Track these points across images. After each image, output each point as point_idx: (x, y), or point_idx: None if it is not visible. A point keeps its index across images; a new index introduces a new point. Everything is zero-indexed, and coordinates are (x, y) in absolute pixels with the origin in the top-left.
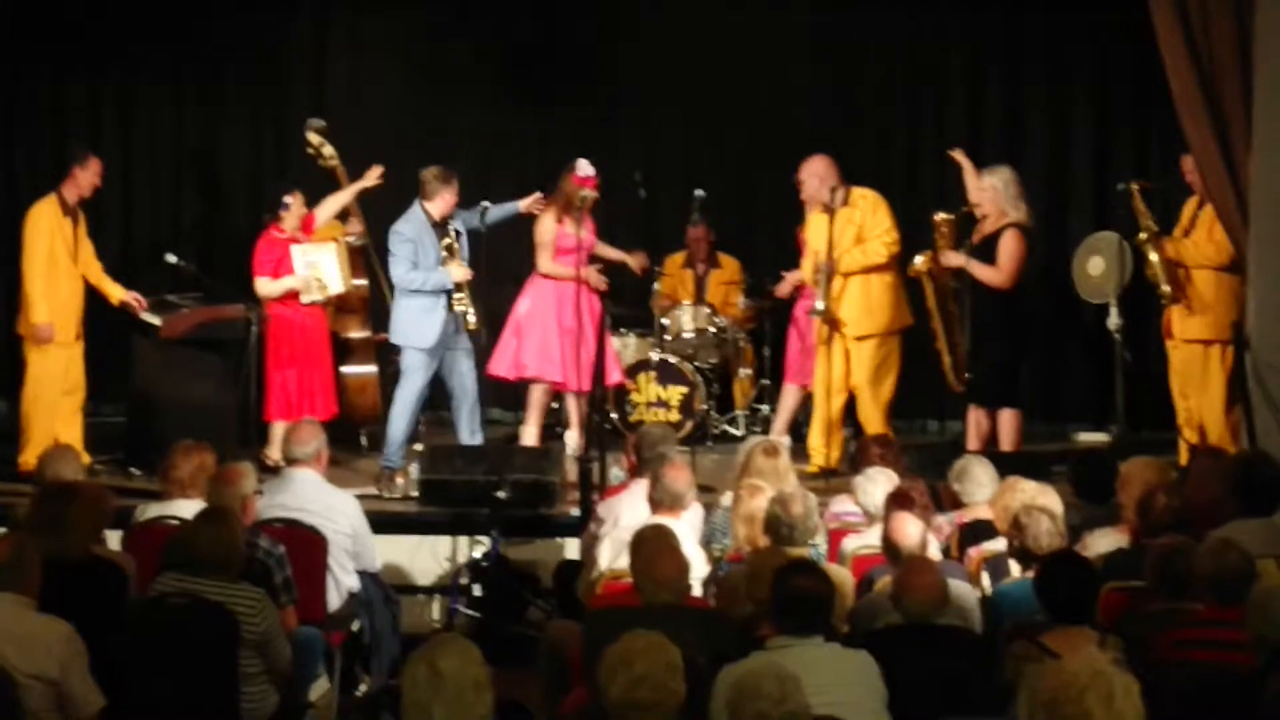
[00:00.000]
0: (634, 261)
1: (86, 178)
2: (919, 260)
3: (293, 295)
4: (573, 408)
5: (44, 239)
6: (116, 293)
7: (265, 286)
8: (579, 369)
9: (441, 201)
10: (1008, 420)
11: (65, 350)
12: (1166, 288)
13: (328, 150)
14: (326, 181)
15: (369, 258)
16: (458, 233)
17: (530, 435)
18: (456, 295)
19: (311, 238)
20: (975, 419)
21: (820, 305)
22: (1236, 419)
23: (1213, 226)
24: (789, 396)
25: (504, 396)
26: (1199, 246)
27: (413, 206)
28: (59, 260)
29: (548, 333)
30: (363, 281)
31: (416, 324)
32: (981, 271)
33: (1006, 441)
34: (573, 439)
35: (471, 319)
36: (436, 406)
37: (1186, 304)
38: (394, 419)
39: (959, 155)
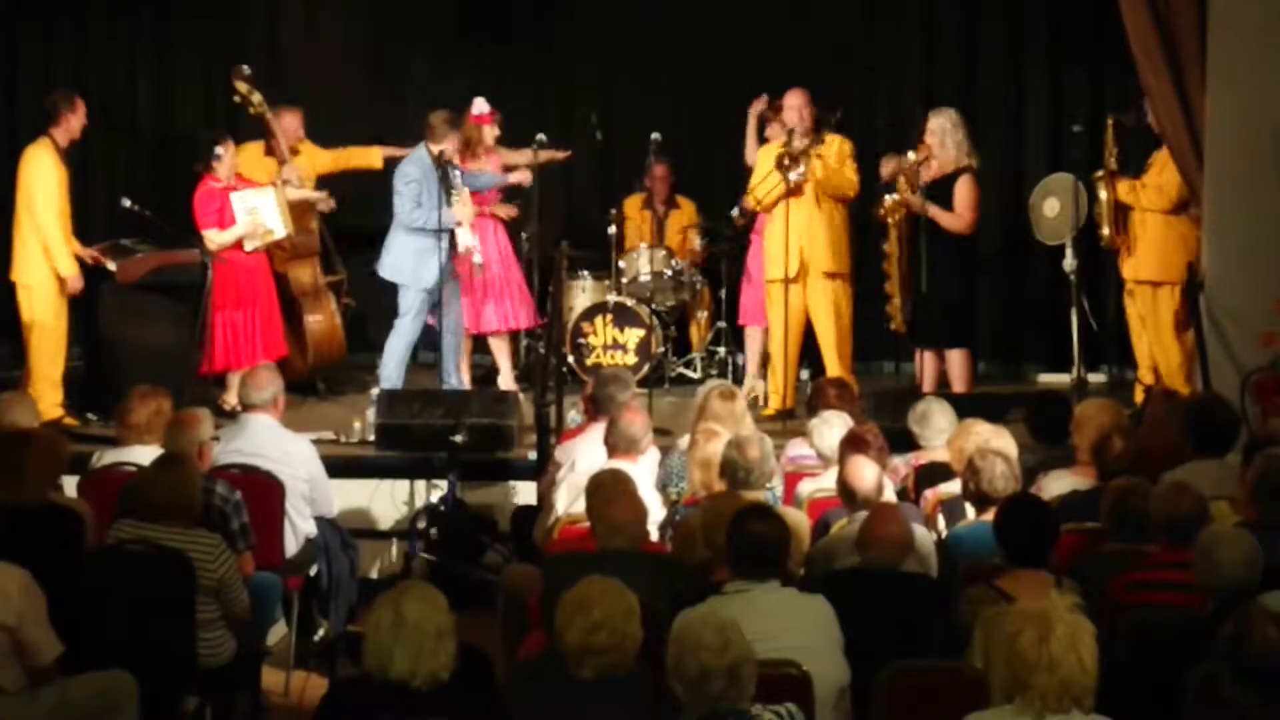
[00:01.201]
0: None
1: (76, 120)
2: (889, 200)
3: (237, 242)
4: (496, 350)
5: (54, 185)
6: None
7: (216, 237)
8: (488, 310)
9: (448, 144)
10: (958, 360)
11: (59, 295)
12: (1106, 230)
13: (256, 97)
14: (258, 126)
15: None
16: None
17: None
18: (461, 232)
19: (246, 184)
20: (927, 360)
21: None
22: (1187, 358)
23: (1163, 169)
24: (753, 340)
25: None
26: (1147, 191)
27: (418, 148)
28: (63, 211)
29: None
30: (306, 234)
31: (416, 265)
32: (943, 217)
33: (958, 382)
34: (503, 380)
35: (479, 257)
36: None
37: (1130, 246)
38: (387, 361)
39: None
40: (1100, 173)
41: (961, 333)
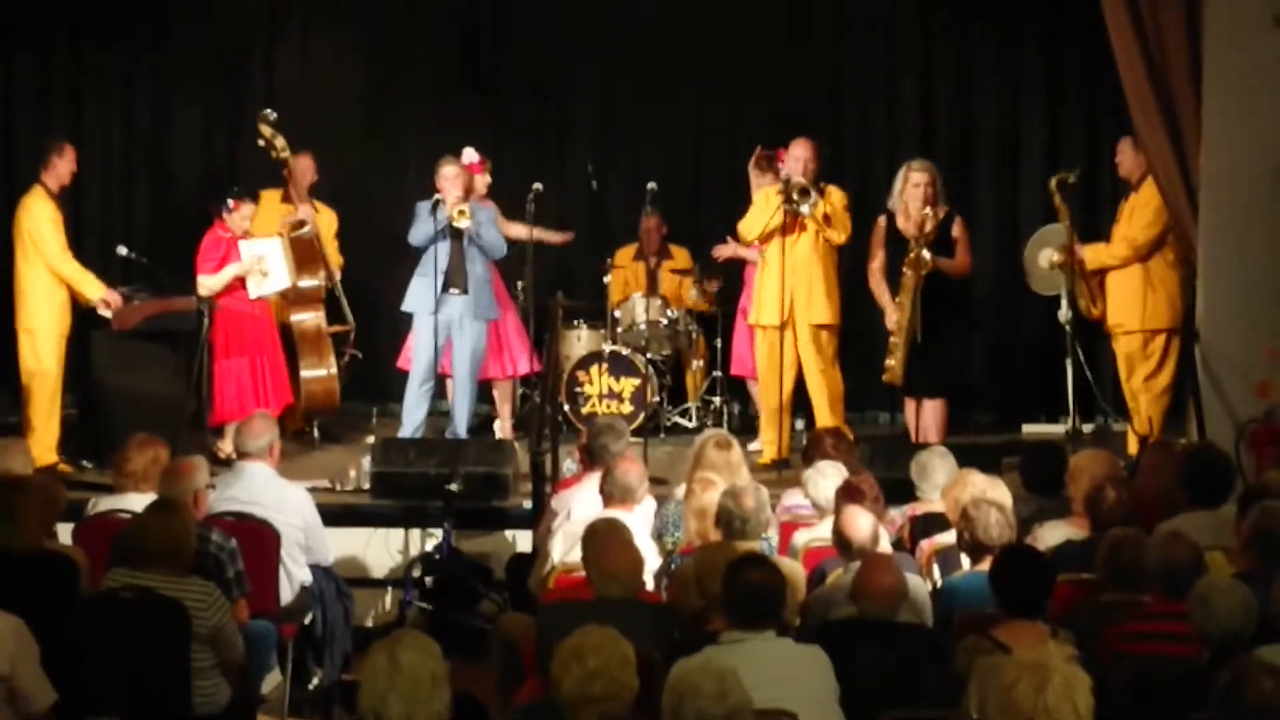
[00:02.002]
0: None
1: (65, 165)
2: (927, 254)
3: (240, 288)
4: (499, 397)
5: (53, 227)
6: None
7: (207, 282)
8: (497, 357)
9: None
10: (936, 410)
11: (63, 341)
12: (1083, 303)
13: (280, 142)
14: (278, 172)
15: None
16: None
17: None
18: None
19: (254, 233)
20: (914, 410)
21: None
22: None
23: (1130, 218)
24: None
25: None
26: (1114, 247)
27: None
28: (67, 249)
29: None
30: (313, 282)
31: (411, 289)
32: (949, 264)
33: (933, 432)
34: (501, 427)
35: (466, 223)
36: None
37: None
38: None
39: None
40: (1057, 257)
41: (944, 383)
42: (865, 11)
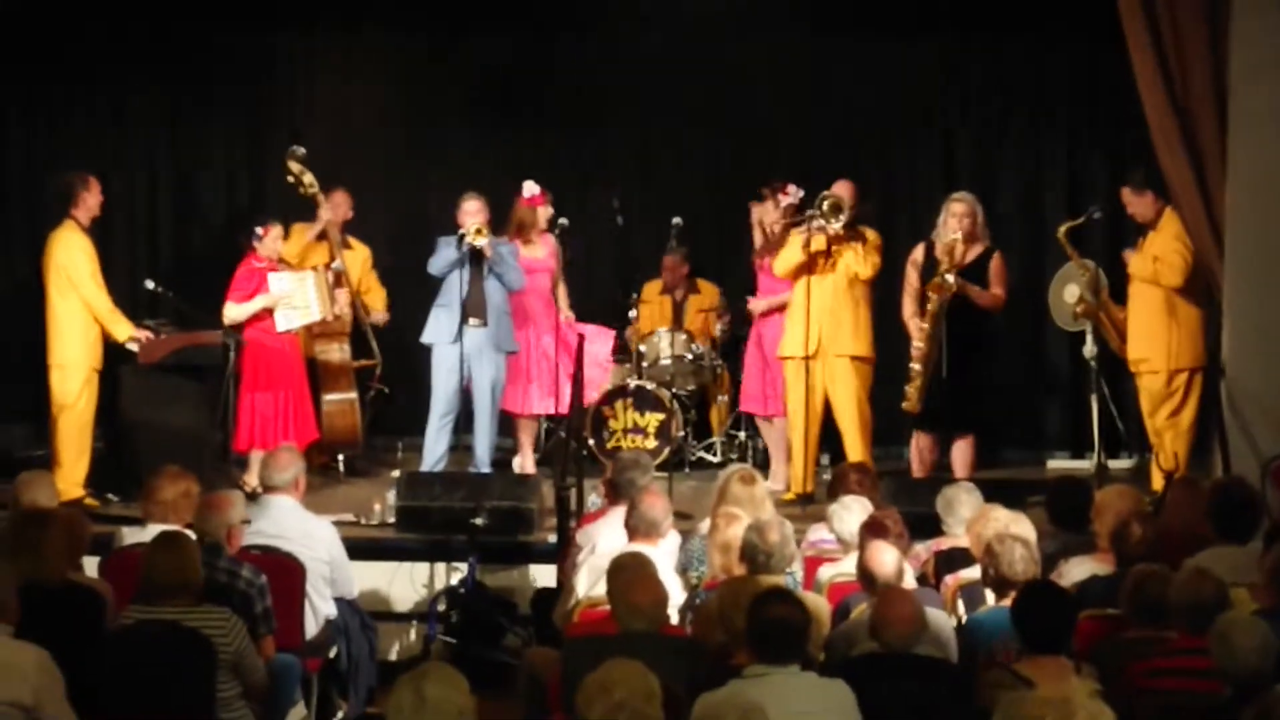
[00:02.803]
0: None
1: (93, 198)
2: (950, 278)
3: (268, 320)
4: (522, 431)
5: (87, 262)
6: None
7: (233, 310)
8: (525, 392)
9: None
10: (965, 447)
11: (95, 375)
12: (1115, 343)
13: (308, 178)
14: (307, 208)
15: (347, 282)
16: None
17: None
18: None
19: (288, 267)
20: (926, 445)
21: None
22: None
23: (1160, 250)
24: (772, 428)
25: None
26: (1133, 266)
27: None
28: (102, 285)
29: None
30: (342, 307)
31: (431, 320)
32: (979, 293)
33: (961, 469)
34: (520, 463)
35: (483, 241)
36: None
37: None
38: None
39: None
40: (1080, 308)
41: (973, 419)
42: (890, 56)
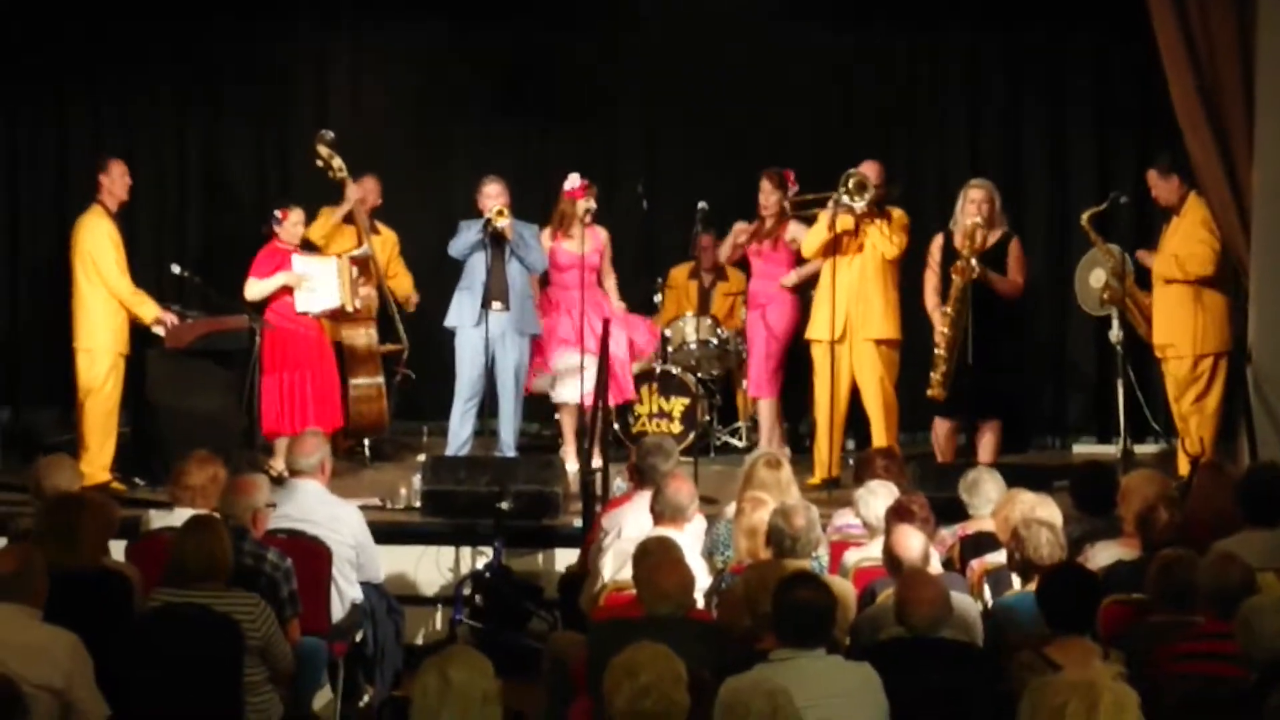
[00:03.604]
0: None
1: (118, 183)
2: (974, 262)
3: (286, 296)
4: (566, 424)
5: (111, 247)
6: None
7: (253, 287)
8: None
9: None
10: (992, 432)
11: (122, 360)
12: (1142, 330)
13: (337, 162)
14: (335, 193)
15: (375, 267)
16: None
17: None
18: (499, 215)
19: (316, 249)
20: (946, 431)
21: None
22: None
23: (1174, 242)
24: (766, 412)
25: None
26: (1157, 266)
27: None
28: (126, 270)
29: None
30: (368, 290)
31: (454, 304)
32: (1001, 282)
33: (986, 454)
34: (566, 455)
35: (505, 223)
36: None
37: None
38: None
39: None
40: (1106, 295)
41: (998, 405)
42: (913, 39)
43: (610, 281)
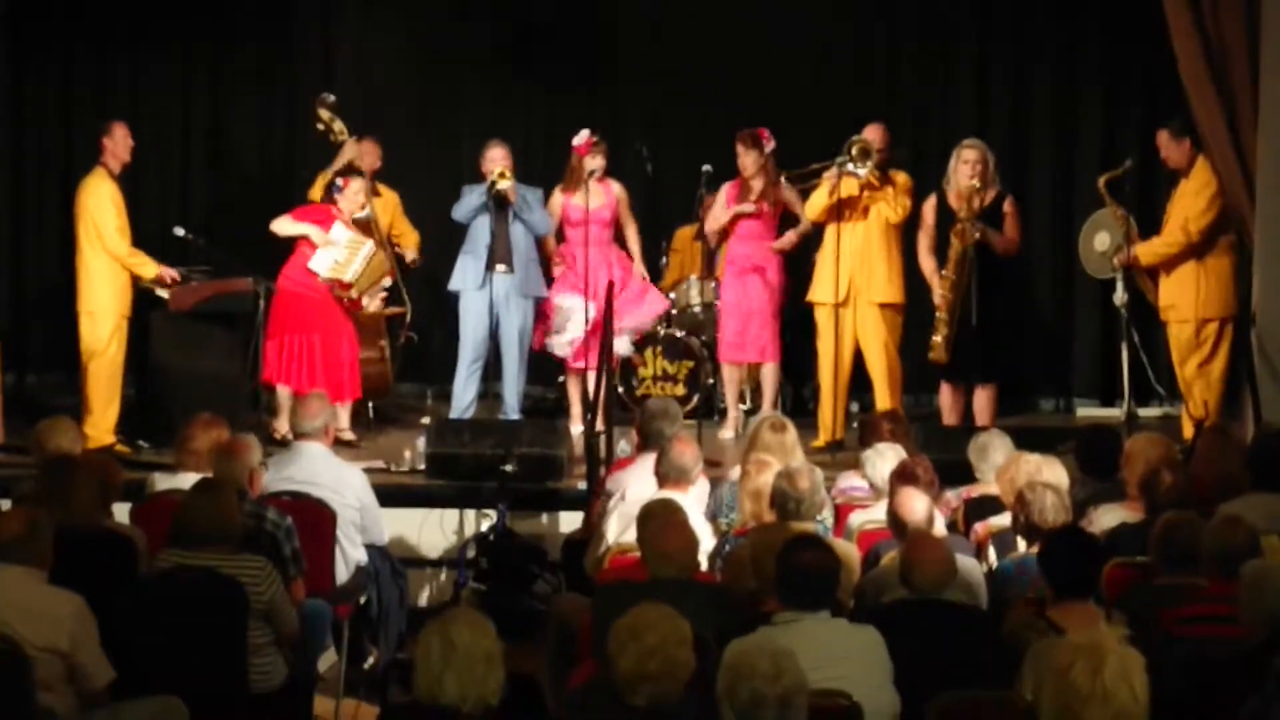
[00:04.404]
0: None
1: (117, 145)
2: (974, 226)
3: (304, 249)
4: (572, 389)
5: (112, 208)
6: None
7: (281, 223)
8: (584, 347)
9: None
10: (987, 396)
11: (124, 322)
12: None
13: (338, 126)
14: (336, 155)
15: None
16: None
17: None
18: (502, 177)
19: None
20: (953, 394)
21: None
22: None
23: (1182, 205)
24: (731, 376)
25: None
26: (1165, 237)
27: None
28: (126, 232)
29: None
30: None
31: (458, 268)
32: (996, 237)
33: (983, 418)
34: (572, 420)
35: (507, 184)
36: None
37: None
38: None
39: None
40: (1116, 260)
41: (997, 370)
42: (917, 3)
43: (631, 231)
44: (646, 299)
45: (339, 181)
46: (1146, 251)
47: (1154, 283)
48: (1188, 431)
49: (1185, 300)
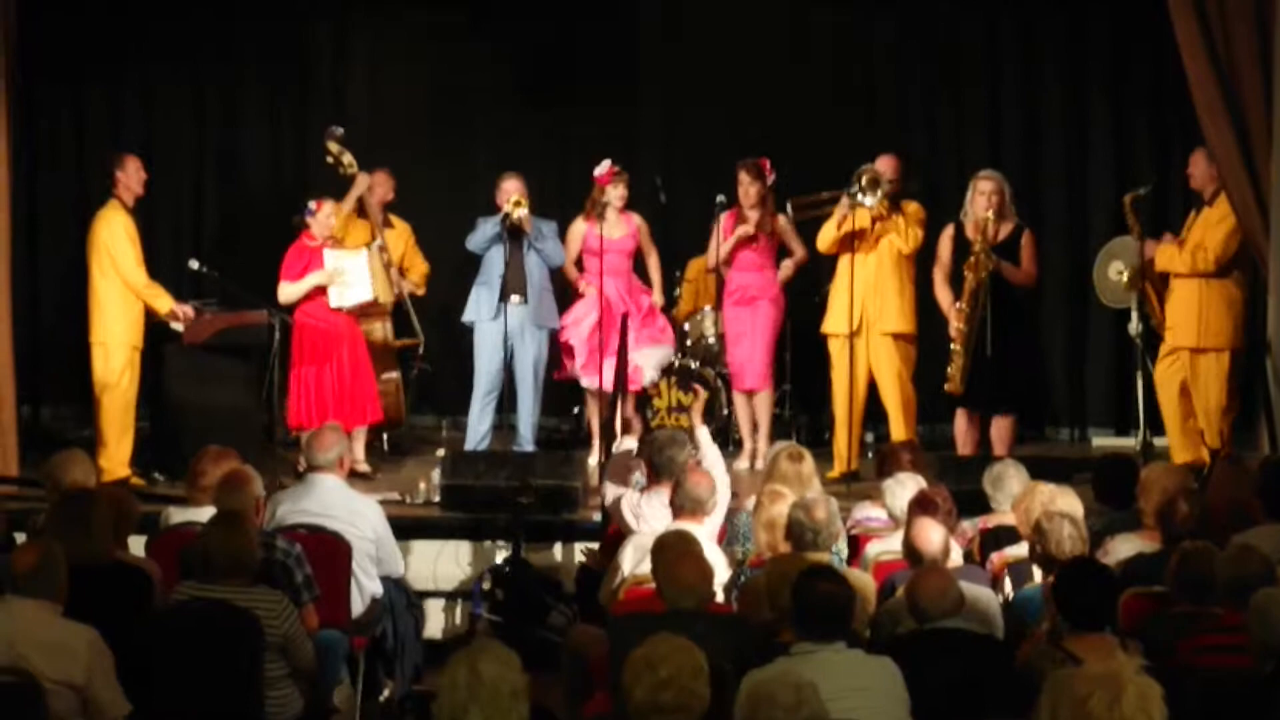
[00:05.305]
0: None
1: (130, 177)
2: (988, 258)
3: (320, 296)
4: (593, 416)
5: (127, 240)
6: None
7: (287, 290)
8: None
9: (499, 193)
10: (1004, 427)
11: (137, 354)
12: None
13: (347, 158)
14: (347, 189)
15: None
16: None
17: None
18: (516, 206)
19: (343, 244)
20: (968, 424)
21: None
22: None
23: (1205, 232)
24: (744, 406)
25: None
26: (1183, 256)
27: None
28: (142, 263)
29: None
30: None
31: (472, 299)
32: (1011, 270)
33: (1000, 448)
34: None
35: (522, 212)
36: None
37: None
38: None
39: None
40: (1127, 273)
41: (1013, 401)
42: (931, 30)
43: (653, 261)
44: (665, 336)
45: (311, 205)
46: (1164, 255)
47: (1160, 305)
48: (1178, 457)
49: (1187, 331)
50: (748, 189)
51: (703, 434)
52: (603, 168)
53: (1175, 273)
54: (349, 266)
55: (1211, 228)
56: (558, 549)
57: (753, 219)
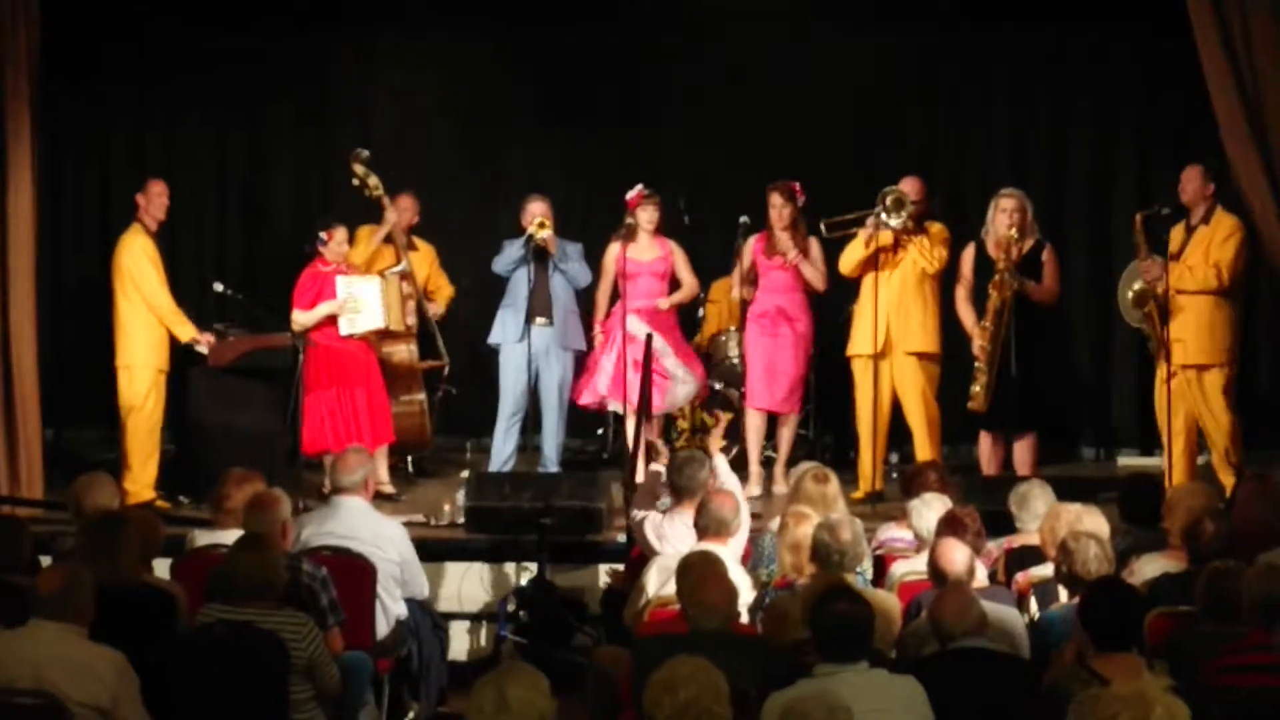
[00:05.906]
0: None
1: (153, 202)
2: (1011, 276)
3: (332, 324)
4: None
5: (150, 264)
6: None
7: (299, 317)
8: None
9: (524, 214)
10: (1027, 447)
11: (162, 377)
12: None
13: (373, 181)
14: (372, 211)
15: (414, 285)
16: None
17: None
18: (540, 228)
19: (356, 270)
20: (991, 444)
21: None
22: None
23: (1209, 248)
24: (754, 425)
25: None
26: (1195, 271)
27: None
28: (166, 286)
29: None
30: (411, 313)
31: (498, 321)
32: (1035, 288)
33: (1023, 469)
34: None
35: (546, 234)
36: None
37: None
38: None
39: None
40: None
41: (1036, 420)
42: (955, 50)
43: (686, 287)
44: (696, 366)
45: (322, 234)
46: (1179, 275)
47: (1164, 324)
48: (1178, 475)
49: (1199, 343)
50: (780, 211)
51: (720, 461)
52: (634, 191)
53: (1186, 290)
54: (361, 293)
55: (1218, 246)
56: (583, 570)
57: (783, 240)
